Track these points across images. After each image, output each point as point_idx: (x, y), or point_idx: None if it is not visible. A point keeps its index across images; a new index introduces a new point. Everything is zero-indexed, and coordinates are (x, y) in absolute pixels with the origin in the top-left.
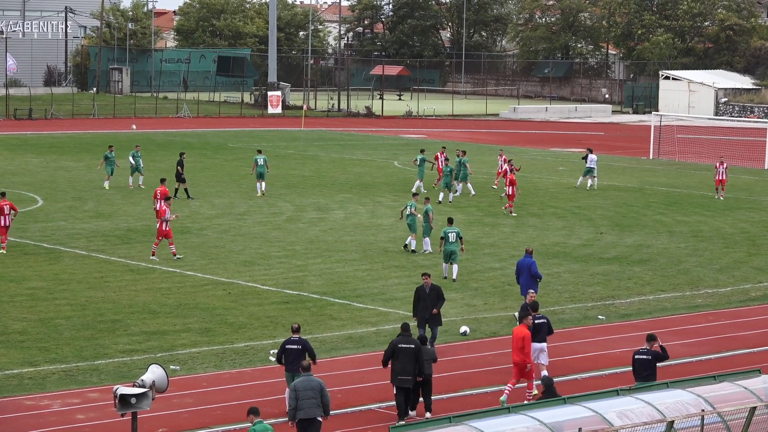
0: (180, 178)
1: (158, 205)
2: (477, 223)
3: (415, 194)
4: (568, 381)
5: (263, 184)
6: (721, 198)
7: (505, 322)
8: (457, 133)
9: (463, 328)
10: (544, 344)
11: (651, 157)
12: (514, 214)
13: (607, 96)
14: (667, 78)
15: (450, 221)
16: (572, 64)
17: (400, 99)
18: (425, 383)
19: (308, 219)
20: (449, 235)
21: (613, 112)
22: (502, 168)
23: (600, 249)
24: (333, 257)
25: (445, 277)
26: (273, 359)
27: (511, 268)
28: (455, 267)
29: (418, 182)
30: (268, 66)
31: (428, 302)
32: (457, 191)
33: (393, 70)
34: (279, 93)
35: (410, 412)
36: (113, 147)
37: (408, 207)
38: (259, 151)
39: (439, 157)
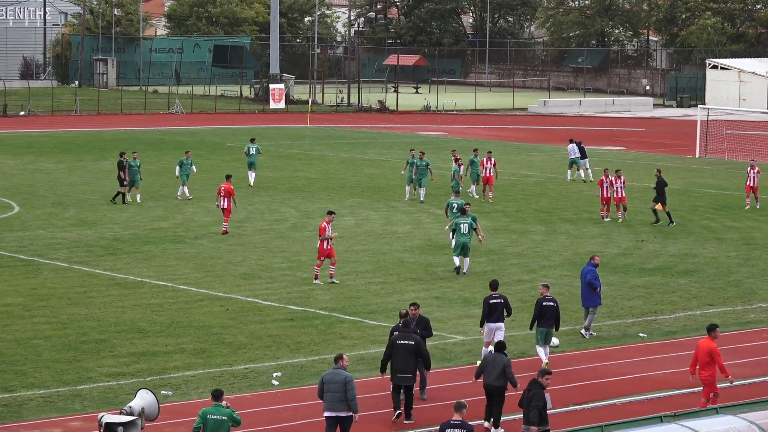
0: (123, 183)
1: (223, 203)
2: (503, 230)
3: (456, 191)
4: (605, 406)
5: (254, 174)
6: (757, 206)
7: (533, 342)
8: (481, 130)
9: (554, 341)
10: (501, 323)
11: (697, 155)
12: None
13: (647, 88)
14: (714, 67)
15: (463, 212)
16: (609, 53)
17: (417, 92)
18: (494, 395)
19: (315, 226)
20: (461, 226)
21: (655, 105)
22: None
23: (641, 258)
24: (343, 269)
25: (457, 271)
26: (276, 383)
27: (540, 280)
28: (467, 260)
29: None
30: (269, 56)
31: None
32: (470, 190)
33: (409, 60)
34: (282, 86)
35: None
36: (190, 152)
37: (454, 205)
38: (252, 140)
39: (485, 163)
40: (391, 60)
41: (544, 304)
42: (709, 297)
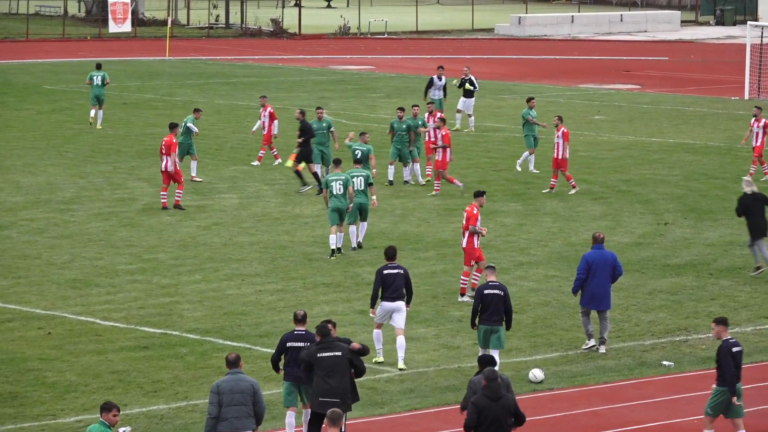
0: None
1: (165, 164)
2: (461, 209)
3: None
4: None
5: (100, 112)
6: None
7: (508, 373)
8: (426, 63)
9: (538, 374)
10: (401, 302)
11: (746, 96)
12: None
13: None
14: None
15: (337, 163)
16: None
17: (329, 6)
18: None
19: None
20: (333, 185)
21: (683, 22)
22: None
23: (664, 250)
24: (221, 271)
25: (334, 251)
26: None
27: (517, 284)
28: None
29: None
30: None
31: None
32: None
33: None
34: None
35: None
36: (201, 111)
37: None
38: (98, 66)
39: (430, 121)
40: None
41: (485, 292)
42: (764, 306)
